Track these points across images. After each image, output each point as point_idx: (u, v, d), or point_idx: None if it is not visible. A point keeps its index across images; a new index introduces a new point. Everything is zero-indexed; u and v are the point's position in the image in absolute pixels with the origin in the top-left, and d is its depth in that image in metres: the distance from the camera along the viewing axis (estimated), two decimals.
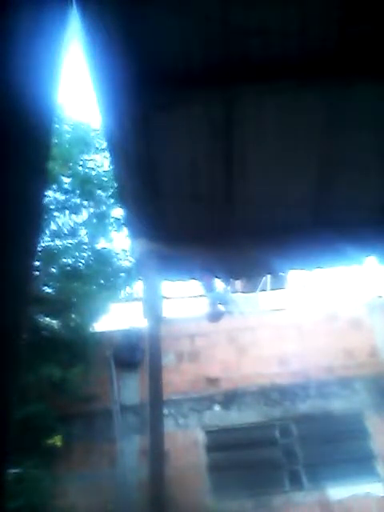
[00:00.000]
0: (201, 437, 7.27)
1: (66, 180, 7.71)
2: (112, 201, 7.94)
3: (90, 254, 7.83)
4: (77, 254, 7.68)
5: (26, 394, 5.90)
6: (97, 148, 8.15)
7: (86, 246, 7.91)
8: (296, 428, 7.35)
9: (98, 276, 7.62)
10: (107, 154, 6.66)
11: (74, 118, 8.21)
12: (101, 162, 8.14)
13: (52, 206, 7.55)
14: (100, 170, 8.06)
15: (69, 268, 7.42)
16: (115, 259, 8.11)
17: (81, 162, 7.93)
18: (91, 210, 8.04)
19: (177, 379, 7.41)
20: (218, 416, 7.44)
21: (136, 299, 7.88)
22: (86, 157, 8.06)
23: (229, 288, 8.27)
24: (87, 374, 6.74)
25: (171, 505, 5.04)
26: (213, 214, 3.91)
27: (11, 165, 1.17)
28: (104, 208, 8.06)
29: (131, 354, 7.57)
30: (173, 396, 6.93)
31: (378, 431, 7.18)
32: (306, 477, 6.93)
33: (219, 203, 3.81)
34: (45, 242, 7.29)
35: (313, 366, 7.60)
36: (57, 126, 7.21)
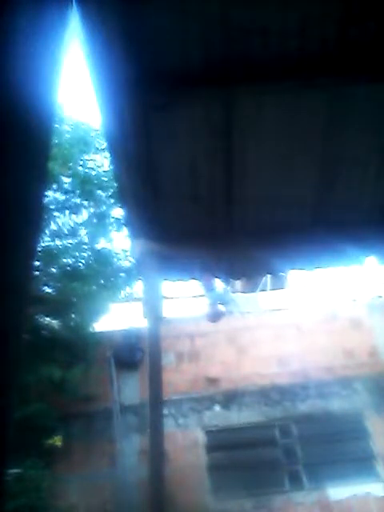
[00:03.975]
0: (201, 437, 7.27)
1: (66, 180, 7.70)
2: (112, 201, 7.93)
3: (89, 253, 7.83)
4: (77, 253, 7.68)
5: (26, 394, 5.90)
6: (97, 148, 8.14)
7: (86, 246, 7.90)
8: (296, 428, 7.35)
9: (98, 276, 7.61)
10: (107, 154, 6.67)
11: (74, 117, 8.22)
12: (101, 162, 8.14)
13: (52, 206, 7.54)
14: (100, 169, 8.05)
15: (69, 268, 7.41)
16: (115, 259, 8.10)
17: (81, 162, 7.92)
18: (91, 209, 8.03)
19: (177, 379, 7.41)
20: (218, 416, 7.44)
21: (136, 299, 7.89)
22: (86, 157, 8.05)
23: (229, 288, 8.27)
24: (87, 373, 6.74)
25: (171, 505, 5.04)
26: (213, 214, 3.91)
27: (11, 165, 1.17)
28: (104, 208, 8.06)
29: (131, 354, 7.57)
30: (173, 396, 6.93)
31: (378, 431, 7.18)
32: (306, 477, 6.93)
33: (219, 203, 3.81)
34: (45, 241, 7.29)
35: (313, 366, 7.60)
36: (57, 125, 7.20)
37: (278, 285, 9.73)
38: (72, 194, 7.77)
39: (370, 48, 2.75)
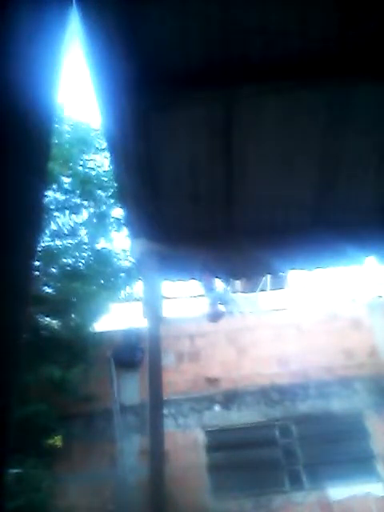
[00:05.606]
0: (201, 437, 7.27)
1: (66, 180, 7.70)
2: (112, 201, 7.94)
3: (89, 253, 7.83)
4: (77, 253, 7.68)
5: (26, 394, 5.90)
6: (97, 148, 8.14)
7: (86, 246, 7.91)
8: (296, 428, 7.35)
9: (98, 276, 7.61)
10: (107, 153, 6.67)
11: (74, 117, 8.22)
12: (101, 162, 8.14)
13: (52, 206, 7.55)
14: (100, 169, 8.05)
15: (69, 268, 7.42)
16: (115, 259, 8.10)
17: (81, 162, 7.92)
18: (91, 209, 8.03)
19: (177, 379, 7.41)
20: (218, 416, 7.44)
21: (136, 299, 7.88)
22: (85, 157, 8.06)
23: (229, 288, 8.27)
24: (87, 373, 6.74)
25: (171, 505, 5.04)
26: (213, 213, 3.91)
27: (11, 165, 1.17)
28: (104, 208, 8.06)
29: (131, 354, 7.57)
30: (173, 396, 6.92)
31: (378, 431, 7.19)
32: (306, 477, 6.93)
33: (219, 203, 3.81)
34: (45, 241, 7.29)
35: (313, 366, 7.60)
36: (57, 125, 7.20)
37: (278, 285, 9.73)
38: (72, 194, 7.77)
39: (370, 48, 2.75)
